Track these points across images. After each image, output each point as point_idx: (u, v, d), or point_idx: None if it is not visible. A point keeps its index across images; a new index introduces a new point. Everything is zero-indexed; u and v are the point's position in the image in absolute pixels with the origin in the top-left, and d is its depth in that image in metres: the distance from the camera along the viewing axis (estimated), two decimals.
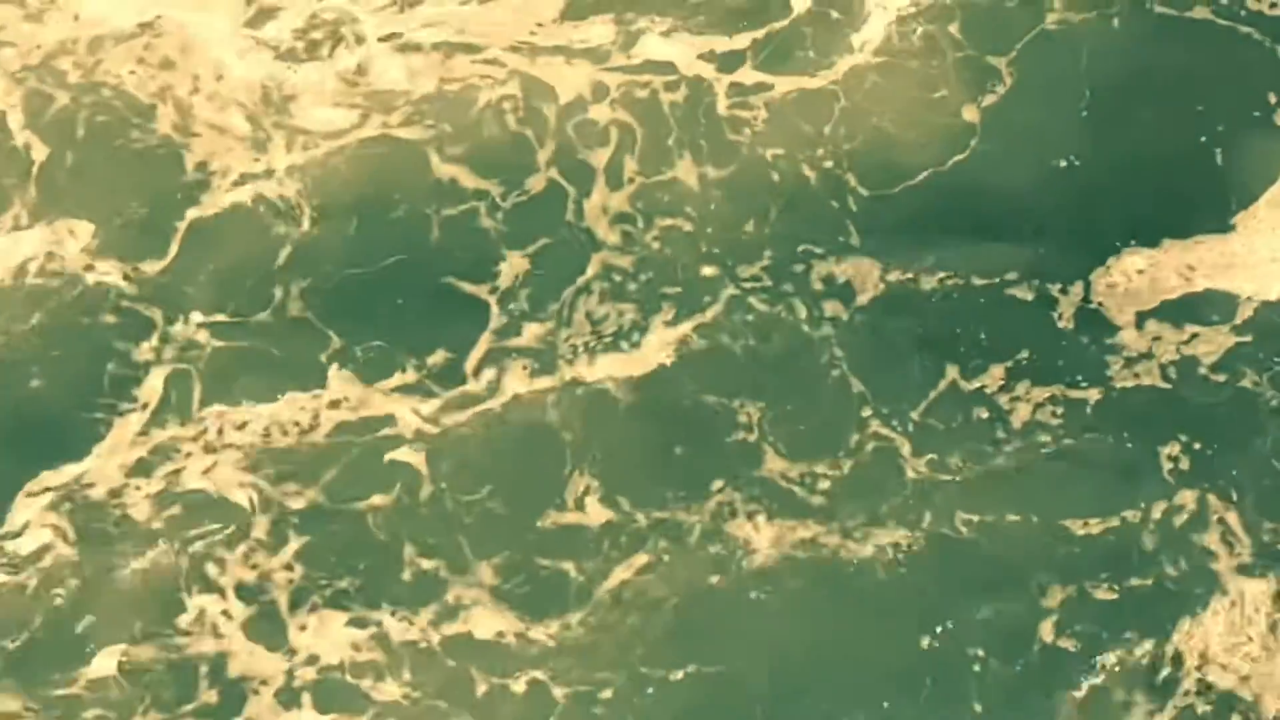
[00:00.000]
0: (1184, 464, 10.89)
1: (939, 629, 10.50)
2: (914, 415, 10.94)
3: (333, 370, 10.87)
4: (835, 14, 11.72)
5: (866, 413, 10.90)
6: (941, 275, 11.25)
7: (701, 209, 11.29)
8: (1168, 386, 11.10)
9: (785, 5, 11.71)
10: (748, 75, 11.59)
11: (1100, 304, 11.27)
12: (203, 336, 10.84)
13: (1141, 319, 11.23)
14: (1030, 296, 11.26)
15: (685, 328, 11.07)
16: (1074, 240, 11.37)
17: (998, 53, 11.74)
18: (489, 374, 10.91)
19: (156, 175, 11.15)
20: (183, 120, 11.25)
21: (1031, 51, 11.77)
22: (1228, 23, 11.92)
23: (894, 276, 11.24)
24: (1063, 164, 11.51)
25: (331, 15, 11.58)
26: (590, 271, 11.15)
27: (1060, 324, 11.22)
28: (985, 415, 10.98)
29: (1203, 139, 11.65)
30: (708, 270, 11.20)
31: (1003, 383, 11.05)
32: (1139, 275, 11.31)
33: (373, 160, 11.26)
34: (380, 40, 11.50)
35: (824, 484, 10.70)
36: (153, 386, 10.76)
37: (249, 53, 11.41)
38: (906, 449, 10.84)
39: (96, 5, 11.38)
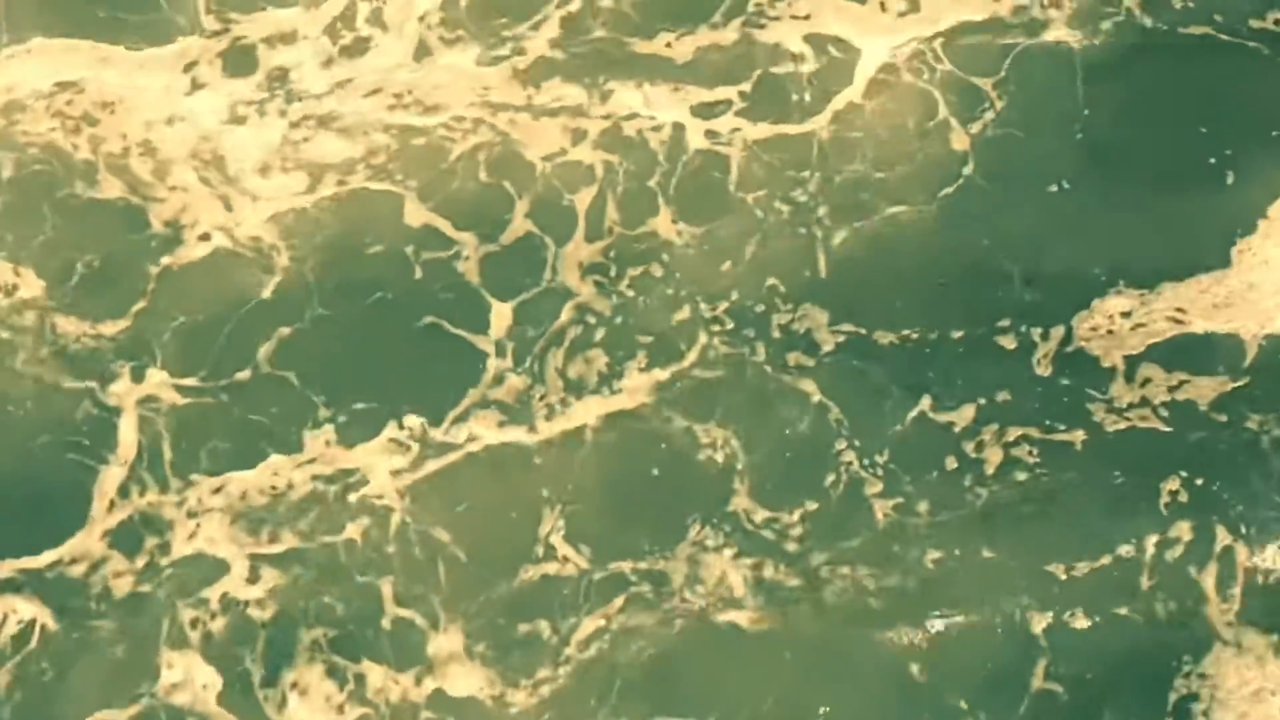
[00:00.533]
0: (1180, 498, 10.58)
1: (922, 674, 10.32)
2: (886, 457, 10.74)
3: (308, 431, 10.89)
4: (823, 59, 11.44)
5: (845, 456, 10.72)
6: (919, 317, 11.00)
7: (679, 254, 11.13)
8: (1157, 428, 10.78)
9: (767, 55, 11.46)
10: (728, 122, 11.38)
11: (1084, 346, 10.96)
12: (170, 395, 10.89)
13: (1132, 364, 10.92)
14: (1013, 340, 10.98)
15: (660, 373, 10.94)
16: (1062, 279, 11.04)
17: (986, 77, 11.41)
18: (465, 424, 10.86)
19: (110, 229, 11.18)
20: (128, 178, 11.30)
21: (1022, 75, 11.43)
22: (1230, 38, 11.47)
23: (868, 320, 11.01)
24: (1053, 190, 11.17)
25: (273, 80, 11.54)
26: (565, 317, 11.05)
27: (1039, 370, 10.94)
28: (958, 459, 10.75)
29: (1208, 162, 11.24)
30: (682, 315, 11.05)
31: (977, 425, 10.81)
32: (1126, 318, 10.98)
33: (336, 216, 11.24)
34: (324, 97, 11.44)
35: (797, 528, 10.54)
36: (126, 445, 10.85)
37: (187, 117, 11.40)
38: (879, 490, 10.65)
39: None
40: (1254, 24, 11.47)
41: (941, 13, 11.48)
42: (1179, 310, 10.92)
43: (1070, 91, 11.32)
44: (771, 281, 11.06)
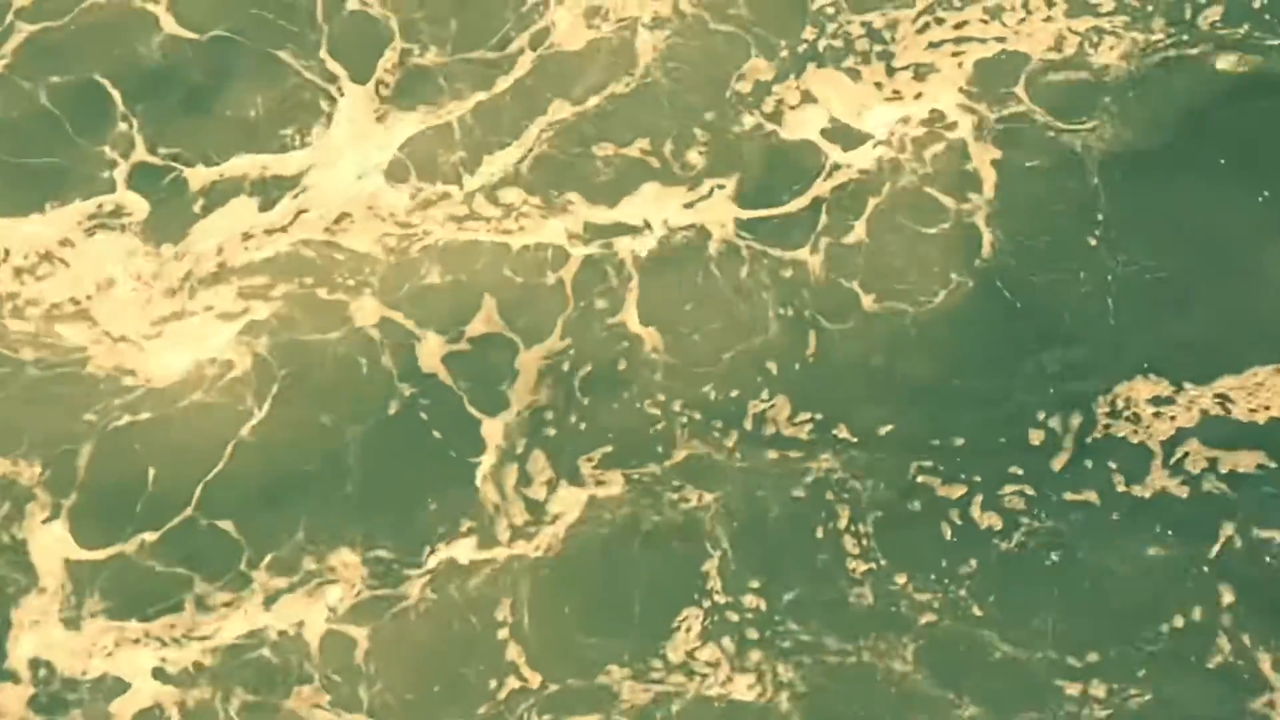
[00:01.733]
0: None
1: None
2: (887, 542, 10.12)
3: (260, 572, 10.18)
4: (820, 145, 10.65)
5: (852, 550, 10.01)
6: (930, 408, 10.25)
7: (661, 355, 10.34)
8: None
9: (746, 155, 10.62)
10: (709, 215, 10.61)
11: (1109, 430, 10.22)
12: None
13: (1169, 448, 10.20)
14: (1039, 429, 10.25)
15: (635, 473, 10.19)
16: (1096, 358, 10.27)
17: (1019, 136, 10.57)
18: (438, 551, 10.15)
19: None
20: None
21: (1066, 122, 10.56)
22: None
23: (883, 410, 10.28)
24: (1082, 276, 10.34)
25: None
26: (547, 428, 10.31)
27: (1056, 463, 10.20)
28: (968, 537, 10.10)
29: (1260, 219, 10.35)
30: (657, 412, 10.28)
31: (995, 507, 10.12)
32: (1163, 407, 10.26)
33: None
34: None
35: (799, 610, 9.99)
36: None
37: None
38: (883, 568, 10.07)
39: None
40: None
41: (942, 90, 10.66)
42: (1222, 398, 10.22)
43: (1084, 180, 10.50)
44: (754, 373, 10.33)
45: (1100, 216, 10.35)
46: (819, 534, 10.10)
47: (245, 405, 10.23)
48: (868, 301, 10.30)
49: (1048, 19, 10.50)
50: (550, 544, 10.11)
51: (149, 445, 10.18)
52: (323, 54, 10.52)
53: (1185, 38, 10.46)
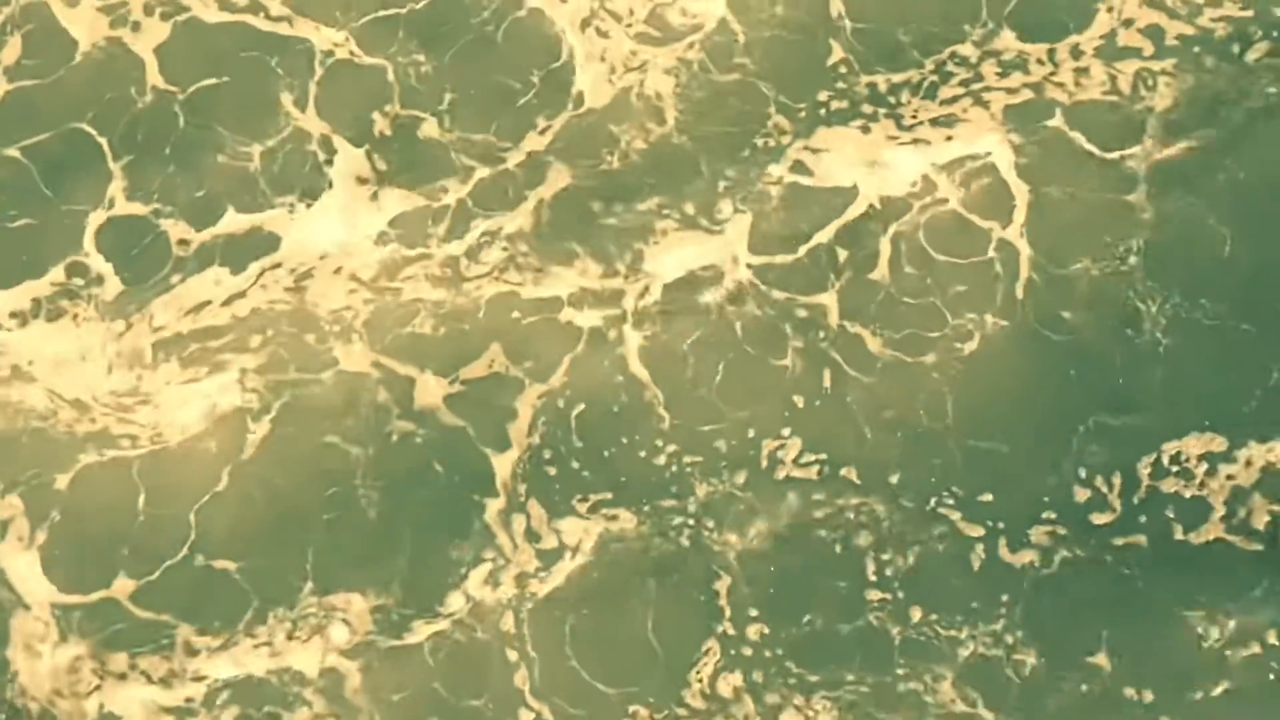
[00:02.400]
0: None
1: None
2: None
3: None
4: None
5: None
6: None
7: (675, 396, 9.68)
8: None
9: (763, 203, 10.07)
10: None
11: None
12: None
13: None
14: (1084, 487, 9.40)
15: (648, 509, 9.49)
16: (1146, 412, 9.47)
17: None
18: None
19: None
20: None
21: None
22: None
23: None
24: (1129, 319, 9.59)
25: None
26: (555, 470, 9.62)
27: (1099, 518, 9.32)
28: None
29: None
30: (666, 447, 9.58)
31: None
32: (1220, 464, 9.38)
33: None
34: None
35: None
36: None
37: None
38: (906, 600, 9.31)
39: None
40: None
41: (974, 132, 10.04)
42: None
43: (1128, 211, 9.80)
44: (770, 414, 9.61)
45: (1146, 253, 9.66)
46: (840, 568, 9.41)
47: (236, 443, 9.64)
48: (895, 347, 9.61)
49: (1081, 69, 9.91)
50: (562, 581, 9.44)
51: (131, 485, 9.64)
52: (313, 111, 10.11)
53: (1236, 71, 9.83)
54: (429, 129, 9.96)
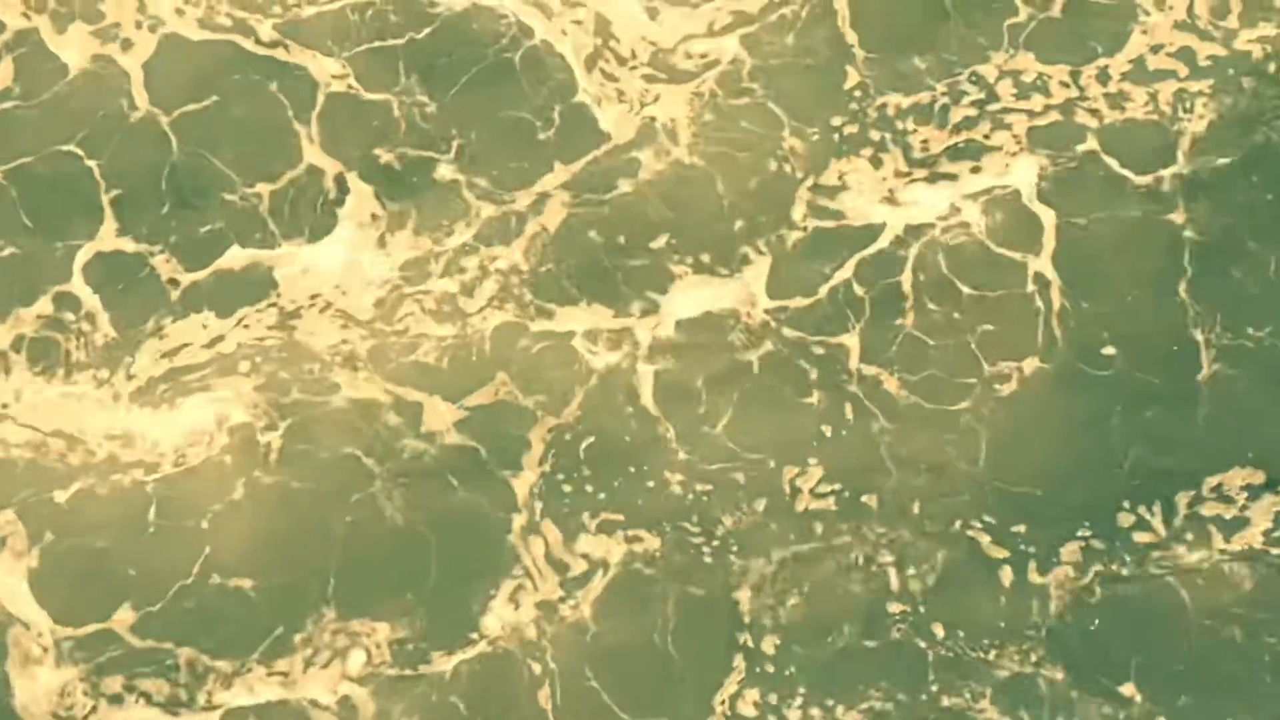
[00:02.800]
0: None
1: None
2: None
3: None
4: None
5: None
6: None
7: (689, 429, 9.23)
8: None
9: (781, 240, 9.63)
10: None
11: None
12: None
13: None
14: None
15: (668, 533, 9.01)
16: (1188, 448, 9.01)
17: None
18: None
19: None
20: None
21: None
22: None
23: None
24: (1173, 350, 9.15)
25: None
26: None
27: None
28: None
29: None
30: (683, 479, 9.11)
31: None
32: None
33: None
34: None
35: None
36: None
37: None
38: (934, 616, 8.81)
39: None
40: None
41: (1001, 161, 9.61)
42: None
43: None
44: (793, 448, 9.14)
45: (1190, 279, 9.25)
46: (866, 586, 9.00)
47: (242, 465, 9.18)
48: (920, 392, 9.17)
49: (1117, 93, 9.53)
50: (583, 603, 9.01)
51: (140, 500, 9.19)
52: (317, 143, 9.70)
53: (1273, 92, 9.45)
54: (443, 170, 9.55)
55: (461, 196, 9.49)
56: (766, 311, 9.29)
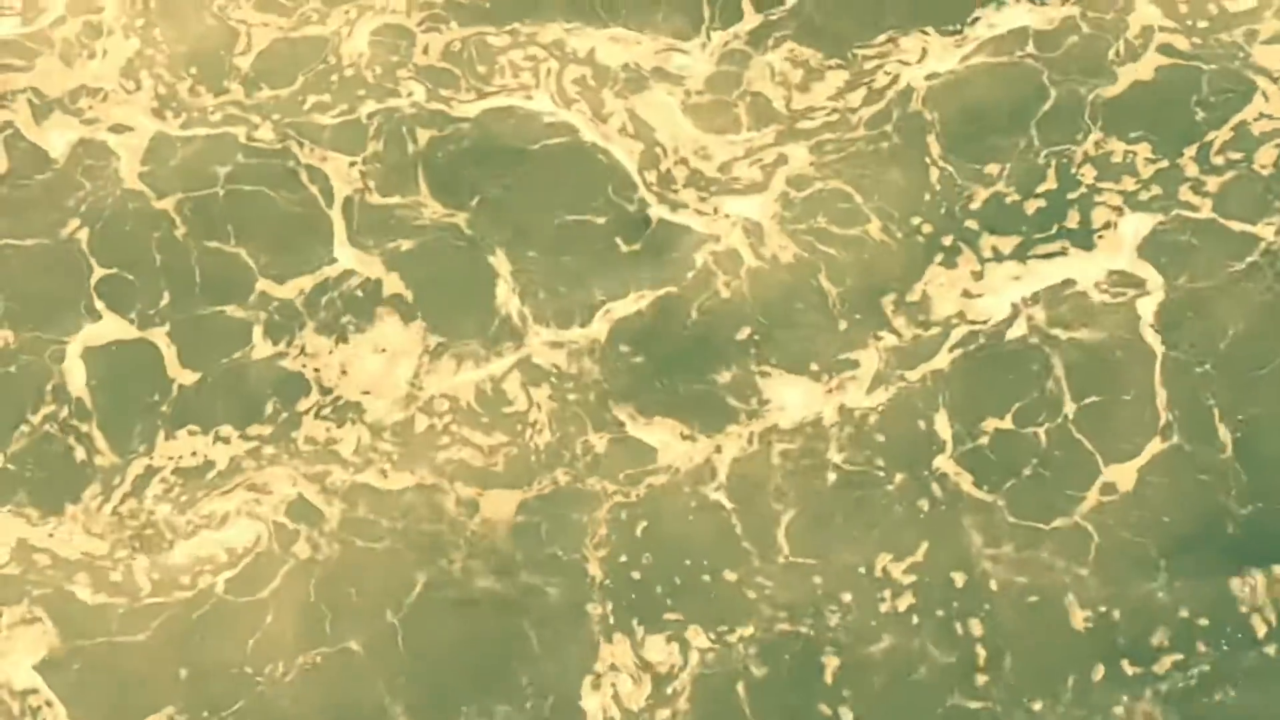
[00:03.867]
0: None
1: None
2: None
3: None
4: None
5: None
6: None
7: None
8: None
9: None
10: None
11: None
12: None
13: None
14: None
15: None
16: None
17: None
18: None
19: None
20: None
21: None
22: None
23: None
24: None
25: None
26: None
27: None
28: None
29: None
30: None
31: None
32: None
33: None
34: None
35: None
36: None
37: None
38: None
39: None
40: None
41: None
42: None
43: None
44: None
45: None
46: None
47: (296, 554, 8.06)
48: (1022, 512, 8.09)
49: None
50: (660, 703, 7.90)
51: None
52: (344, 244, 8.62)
53: None
54: (502, 294, 8.47)
55: (515, 320, 8.44)
56: (854, 411, 8.26)
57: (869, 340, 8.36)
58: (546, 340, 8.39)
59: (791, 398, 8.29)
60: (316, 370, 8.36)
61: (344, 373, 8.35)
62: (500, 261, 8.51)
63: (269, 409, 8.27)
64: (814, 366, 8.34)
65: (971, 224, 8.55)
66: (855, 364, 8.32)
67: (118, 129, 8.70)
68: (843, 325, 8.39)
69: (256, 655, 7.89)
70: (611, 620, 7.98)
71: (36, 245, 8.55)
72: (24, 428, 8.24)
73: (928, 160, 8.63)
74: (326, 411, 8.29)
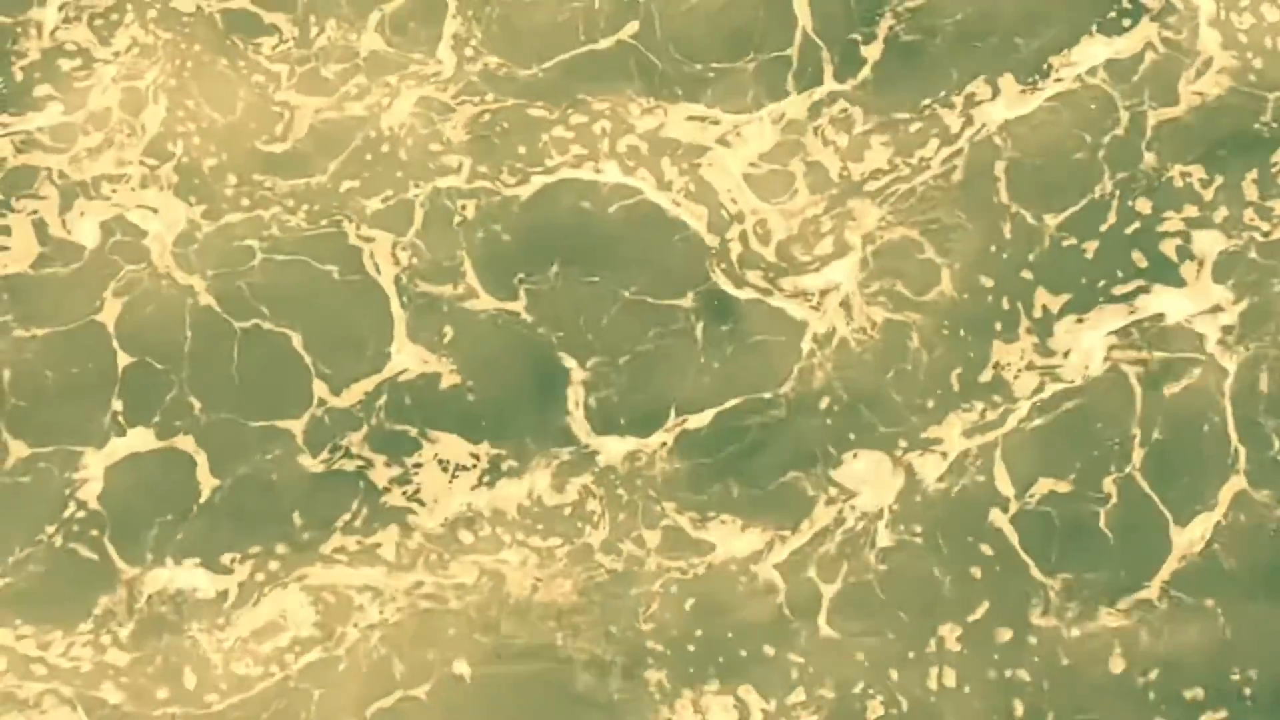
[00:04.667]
0: None
1: None
2: None
3: None
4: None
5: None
6: None
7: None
8: None
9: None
10: None
11: None
12: None
13: None
14: None
15: None
16: None
17: None
18: None
19: None
20: None
21: None
22: None
23: None
24: None
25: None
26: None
27: None
28: None
29: None
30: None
31: None
32: None
33: None
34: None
35: None
36: None
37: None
38: None
39: None
40: None
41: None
42: None
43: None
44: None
45: None
46: None
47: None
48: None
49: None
50: None
51: None
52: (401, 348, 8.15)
53: None
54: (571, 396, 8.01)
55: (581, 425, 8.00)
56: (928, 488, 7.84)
57: (953, 416, 7.95)
58: (616, 450, 7.99)
59: (868, 480, 7.89)
60: (373, 480, 7.95)
61: (402, 480, 7.94)
62: (565, 357, 8.10)
63: (335, 514, 7.88)
64: (902, 444, 7.95)
65: (1033, 274, 8.14)
66: (939, 441, 7.92)
67: (145, 211, 8.26)
68: (930, 403, 8.00)
69: None
70: (668, 686, 7.62)
71: (56, 332, 8.12)
72: (41, 537, 7.82)
73: (996, 204, 8.20)
74: (376, 520, 7.88)
